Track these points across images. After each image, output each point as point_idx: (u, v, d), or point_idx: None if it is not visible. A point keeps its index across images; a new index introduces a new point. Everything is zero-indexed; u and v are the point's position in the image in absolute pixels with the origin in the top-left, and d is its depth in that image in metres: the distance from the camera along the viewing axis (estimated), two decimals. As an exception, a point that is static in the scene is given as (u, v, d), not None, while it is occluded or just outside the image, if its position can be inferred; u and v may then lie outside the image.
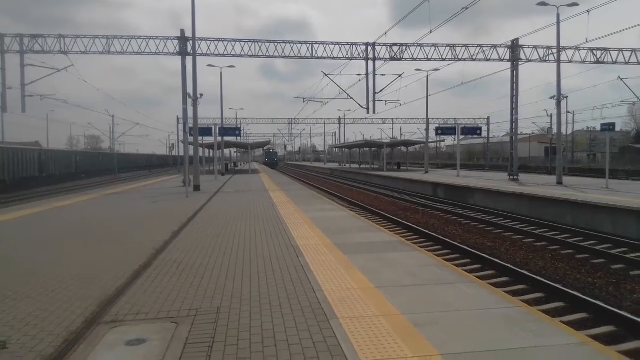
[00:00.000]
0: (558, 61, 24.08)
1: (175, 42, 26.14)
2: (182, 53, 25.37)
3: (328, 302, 5.09)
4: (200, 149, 34.44)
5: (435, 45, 28.76)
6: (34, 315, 4.78)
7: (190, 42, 22.96)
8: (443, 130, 38.68)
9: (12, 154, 34.65)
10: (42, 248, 8.41)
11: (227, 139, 37.29)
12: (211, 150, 45.83)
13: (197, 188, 21.19)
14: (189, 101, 21.74)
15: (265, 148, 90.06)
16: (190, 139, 22.52)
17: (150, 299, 5.29)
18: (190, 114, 21.84)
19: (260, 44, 28.03)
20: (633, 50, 29.37)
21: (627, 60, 29.29)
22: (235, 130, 37.19)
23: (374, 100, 30.47)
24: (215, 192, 20.67)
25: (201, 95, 22.24)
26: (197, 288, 5.69)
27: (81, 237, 9.48)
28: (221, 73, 35.54)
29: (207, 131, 31.97)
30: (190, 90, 21.57)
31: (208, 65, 34.20)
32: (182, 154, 33.11)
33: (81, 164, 51.03)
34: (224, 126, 37.00)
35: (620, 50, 29.26)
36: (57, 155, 45.70)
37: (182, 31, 25.76)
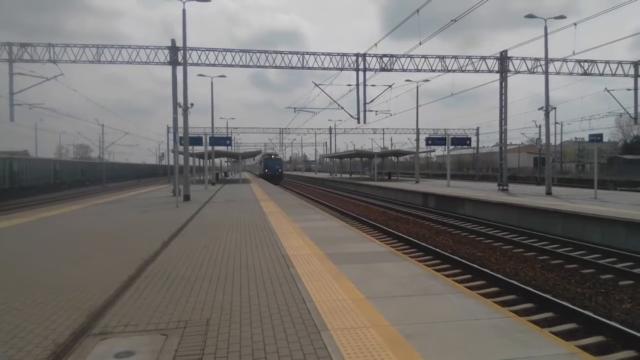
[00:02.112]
0: (546, 73, 24.35)
1: (166, 51, 26.10)
2: (173, 63, 25.33)
3: (319, 313, 5.07)
4: (191, 159, 34.32)
5: (424, 57, 28.96)
6: (21, 327, 4.72)
7: (181, 51, 22.97)
8: (433, 141, 38.88)
9: None
10: (29, 258, 8.31)
11: (217, 148, 37.18)
12: (201, 160, 45.66)
13: (187, 198, 21.11)
14: (180, 110, 21.72)
15: (264, 154, 67.21)
16: (181, 148, 22.46)
17: (139, 310, 5.24)
18: (180, 123, 21.82)
19: (251, 54, 28.07)
20: (619, 62, 29.79)
21: (613, 72, 29.66)
22: (225, 140, 37.12)
23: (365, 111, 30.57)
24: (205, 202, 20.59)
25: (192, 104, 22.21)
26: (187, 299, 5.65)
27: (69, 248, 9.39)
28: (212, 83, 35.59)
29: (197, 140, 31.84)
30: (180, 99, 21.58)
31: (199, 75, 34.25)
32: (172, 163, 32.96)
33: (22, 175, 38.84)
34: (215, 135, 36.93)
35: (607, 62, 29.64)
36: None
37: (173, 41, 25.75)
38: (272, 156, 64.65)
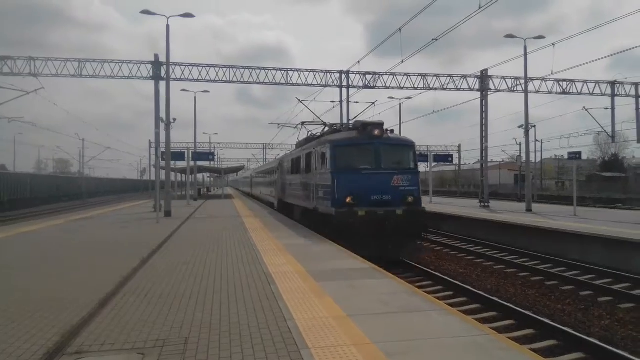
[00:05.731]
0: (526, 91, 24.79)
1: (149, 66, 26.02)
2: (156, 77, 25.24)
3: (299, 331, 5.02)
4: (173, 174, 34.01)
5: (407, 75, 29.30)
6: (-8, 347, 4.59)
7: (164, 66, 22.93)
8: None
9: None
10: (5, 275, 8.12)
11: (200, 163, 36.95)
12: (184, 175, 45.34)
13: (168, 214, 20.89)
14: (162, 125, 21.60)
15: (314, 140, 17.03)
16: (162, 163, 22.29)
17: (116, 328, 5.14)
18: (162, 138, 21.69)
19: (235, 69, 28.11)
20: (597, 82, 30.47)
21: (591, 92, 30.31)
22: (208, 155, 36.93)
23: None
24: (186, 218, 20.39)
25: (174, 119, 22.19)
26: (165, 317, 5.56)
27: (45, 264, 9.20)
28: (195, 98, 35.45)
29: (179, 156, 31.65)
30: (163, 114, 21.48)
31: (182, 90, 34.12)
32: (153, 178, 32.64)
33: None
34: (197, 151, 36.71)
35: (585, 81, 30.30)
36: None
37: (156, 56, 25.68)
38: (384, 131, 13.80)
